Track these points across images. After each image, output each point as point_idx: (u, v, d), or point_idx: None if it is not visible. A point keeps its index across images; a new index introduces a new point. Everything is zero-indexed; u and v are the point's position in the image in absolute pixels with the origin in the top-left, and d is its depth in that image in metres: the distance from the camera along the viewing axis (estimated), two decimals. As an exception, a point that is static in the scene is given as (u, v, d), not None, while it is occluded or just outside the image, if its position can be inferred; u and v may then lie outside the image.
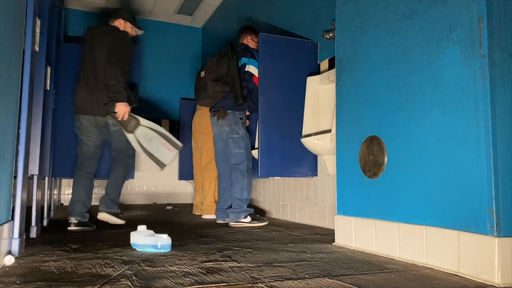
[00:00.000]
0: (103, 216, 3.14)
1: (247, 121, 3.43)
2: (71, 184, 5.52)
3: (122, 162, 3.22)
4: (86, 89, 3.03)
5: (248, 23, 4.43)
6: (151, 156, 3.01)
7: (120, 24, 3.22)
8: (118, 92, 2.88)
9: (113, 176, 3.21)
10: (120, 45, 3.01)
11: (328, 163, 2.90)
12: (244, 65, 3.28)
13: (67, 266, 1.69)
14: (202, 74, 3.55)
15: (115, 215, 3.20)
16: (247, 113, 3.41)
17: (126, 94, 2.92)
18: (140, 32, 3.37)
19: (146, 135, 3.00)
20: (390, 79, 2.00)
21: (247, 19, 4.52)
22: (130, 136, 2.98)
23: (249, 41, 3.51)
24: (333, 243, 2.32)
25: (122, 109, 2.90)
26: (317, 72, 3.24)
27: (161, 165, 3.06)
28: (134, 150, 3.19)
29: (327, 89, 3.09)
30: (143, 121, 3.01)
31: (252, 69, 3.26)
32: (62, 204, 5.29)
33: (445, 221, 1.67)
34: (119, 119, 2.92)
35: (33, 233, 2.43)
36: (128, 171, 3.28)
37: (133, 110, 3.06)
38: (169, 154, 3.03)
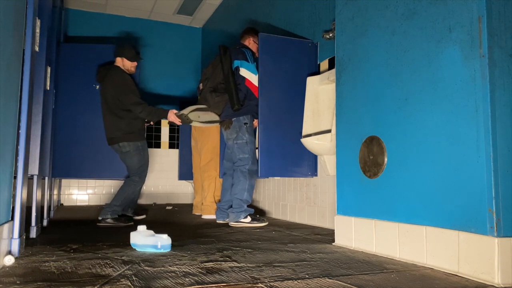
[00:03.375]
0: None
1: (255, 121, 3.37)
2: (71, 184, 5.54)
3: (127, 179, 3.58)
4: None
5: (248, 23, 4.43)
6: (209, 122, 3.48)
7: (118, 61, 3.65)
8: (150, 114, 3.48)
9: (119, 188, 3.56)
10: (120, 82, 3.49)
11: (328, 163, 2.90)
12: (238, 68, 3.25)
13: (67, 266, 1.69)
14: (201, 86, 3.57)
15: (116, 219, 3.36)
16: (255, 122, 3.34)
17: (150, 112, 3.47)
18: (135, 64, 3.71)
19: (195, 116, 3.45)
20: (390, 79, 2.00)
21: (247, 19, 4.52)
22: (193, 123, 3.49)
23: (251, 43, 3.49)
24: (333, 243, 2.32)
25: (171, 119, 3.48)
26: (317, 72, 3.24)
27: (214, 122, 3.48)
28: (139, 171, 3.56)
29: (327, 89, 3.09)
30: (186, 110, 3.44)
31: (244, 72, 3.24)
32: (62, 204, 5.29)
33: (445, 221, 1.67)
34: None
35: (33, 233, 2.43)
36: (132, 188, 3.53)
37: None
38: (211, 115, 3.45)
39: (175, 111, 3.47)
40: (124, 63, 3.61)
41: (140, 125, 3.58)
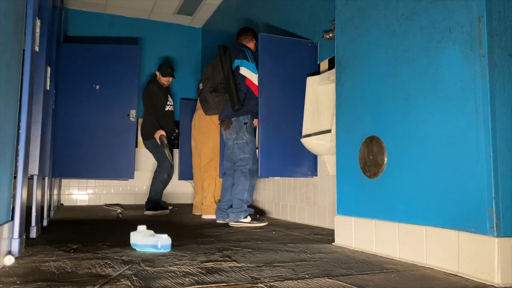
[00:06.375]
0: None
1: (255, 120, 3.36)
2: (71, 184, 5.57)
3: (155, 171, 4.49)
4: None
5: (248, 23, 4.43)
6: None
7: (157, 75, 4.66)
8: None
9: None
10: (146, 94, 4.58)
11: (328, 163, 2.90)
12: (238, 67, 3.24)
13: (67, 266, 1.69)
14: (201, 86, 3.57)
15: (160, 207, 4.28)
16: (255, 122, 3.32)
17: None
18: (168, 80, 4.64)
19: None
20: (390, 79, 2.00)
21: (247, 19, 4.52)
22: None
23: (252, 46, 3.49)
24: (333, 243, 2.32)
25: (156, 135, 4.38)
26: (317, 72, 3.24)
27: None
28: (165, 165, 4.43)
29: (327, 89, 3.09)
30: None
31: (244, 71, 3.23)
32: (62, 204, 5.29)
33: (445, 221, 1.67)
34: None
35: (33, 233, 2.43)
36: (158, 177, 4.41)
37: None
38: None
39: (163, 133, 4.35)
40: (159, 77, 4.57)
41: (150, 125, 4.42)
